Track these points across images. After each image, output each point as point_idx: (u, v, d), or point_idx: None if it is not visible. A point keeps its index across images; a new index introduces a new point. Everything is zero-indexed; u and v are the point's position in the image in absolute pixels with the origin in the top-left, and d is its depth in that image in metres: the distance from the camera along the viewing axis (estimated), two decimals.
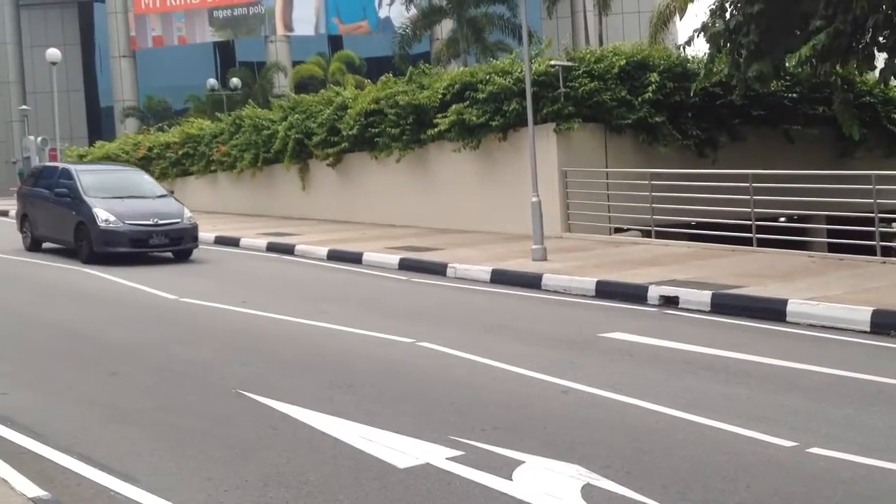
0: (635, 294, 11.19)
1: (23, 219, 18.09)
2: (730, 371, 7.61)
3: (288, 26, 47.14)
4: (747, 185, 14.47)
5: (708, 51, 15.66)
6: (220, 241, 18.76)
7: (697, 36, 15.03)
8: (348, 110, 20.98)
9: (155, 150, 28.03)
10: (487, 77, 17.78)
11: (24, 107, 46.93)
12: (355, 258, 15.46)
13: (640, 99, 17.02)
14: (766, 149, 18.10)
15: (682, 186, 15.95)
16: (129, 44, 48.64)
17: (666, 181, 16.14)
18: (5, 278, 14.67)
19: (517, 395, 6.92)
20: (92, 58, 56.75)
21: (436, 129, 18.41)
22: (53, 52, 31.37)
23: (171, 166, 27.20)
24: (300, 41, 46.92)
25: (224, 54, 51.62)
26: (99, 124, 54.11)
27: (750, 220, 14.41)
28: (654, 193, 15.94)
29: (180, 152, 26.88)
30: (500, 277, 12.95)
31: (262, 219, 23.00)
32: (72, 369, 7.94)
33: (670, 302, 10.81)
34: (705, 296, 10.55)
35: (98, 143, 33.04)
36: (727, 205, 14.86)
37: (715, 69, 15.60)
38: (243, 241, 18.27)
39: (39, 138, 39.32)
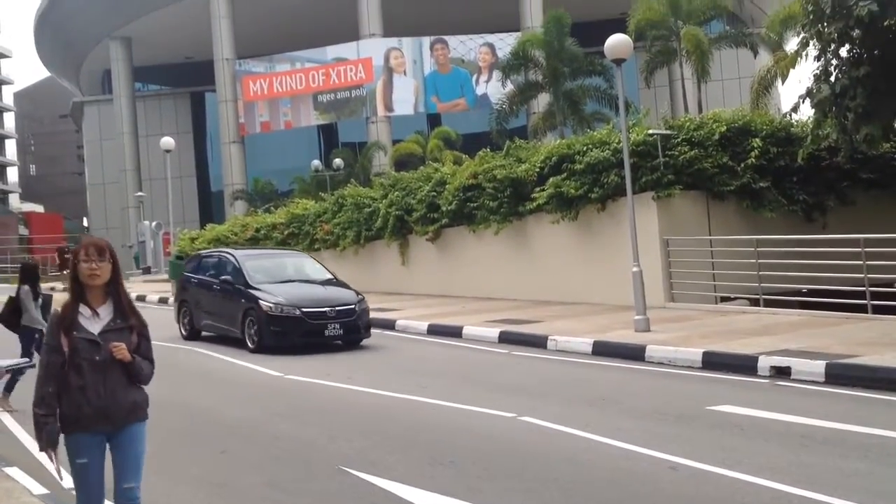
0: (744, 365, 10.83)
1: None
2: (847, 445, 7.25)
3: (388, 107, 48.39)
4: (859, 249, 13.97)
5: (813, 115, 15.36)
6: None
7: (803, 102, 14.76)
8: (447, 185, 21.26)
9: (262, 231, 28.89)
10: (585, 148, 17.78)
11: (139, 193, 49.09)
12: (455, 332, 15.47)
13: (742, 165, 16.76)
14: (878, 212, 17.48)
15: (791, 252, 15.50)
16: (239, 130, 50.66)
17: (773, 247, 15.72)
18: None
19: (623, 471, 6.73)
20: (203, 144, 59.31)
21: (534, 203, 18.48)
22: (167, 141, 32.98)
23: (277, 246, 27.94)
24: (400, 120, 48.04)
25: (327, 136, 53.26)
26: (210, 207, 56.17)
27: (863, 286, 13.87)
28: (760, 260, 15.53)
29: (286, 232, 27.62)
30: (602, 349, 12.75)
31: (364, 294, 23.21)
32: (183, 447, 8.12)
33: (782, 373, 10.42)
34: (819, 366, 10.13)
35: (209, 226, 34.24)
36: (839, 271, 14.35)
37: (821, 133, 15.27)
38: None
39: (154, 223, 40.78)
